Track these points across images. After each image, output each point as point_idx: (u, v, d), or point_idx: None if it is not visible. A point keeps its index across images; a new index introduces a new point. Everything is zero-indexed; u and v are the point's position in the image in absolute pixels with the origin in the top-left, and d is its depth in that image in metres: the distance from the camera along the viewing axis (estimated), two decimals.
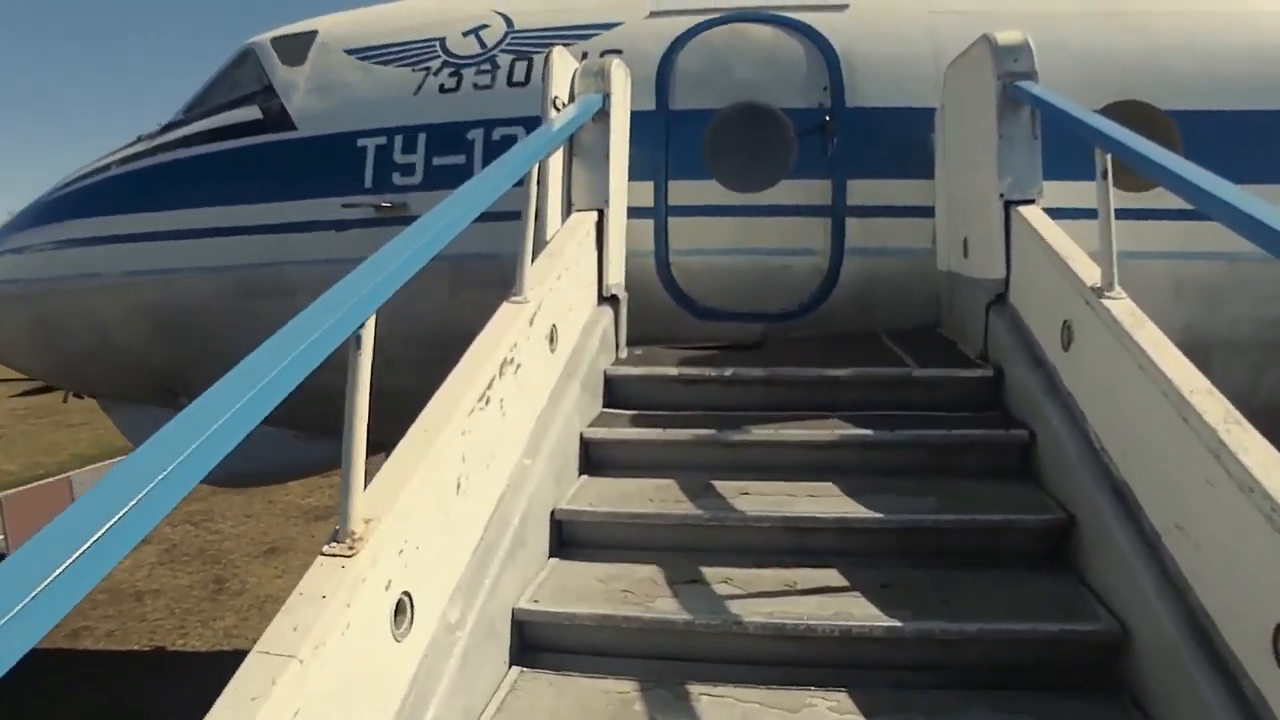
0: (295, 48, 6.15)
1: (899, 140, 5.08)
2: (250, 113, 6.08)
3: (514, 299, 3.26)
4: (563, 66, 4.34)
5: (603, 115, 4.33)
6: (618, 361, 4.26)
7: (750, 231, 5.13)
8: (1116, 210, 5.02)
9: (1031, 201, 3.98)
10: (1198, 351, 5.00)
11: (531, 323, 3.25)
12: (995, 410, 3.80)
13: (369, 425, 1.98)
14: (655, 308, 5.13)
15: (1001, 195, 4.00)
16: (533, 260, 3.55)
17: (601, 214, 4.31)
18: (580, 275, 4.04)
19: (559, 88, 4.28)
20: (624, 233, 4.62)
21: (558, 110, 4.19)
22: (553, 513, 3.21)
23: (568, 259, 3.81)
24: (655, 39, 5.36)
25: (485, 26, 5.74)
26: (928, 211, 5.02)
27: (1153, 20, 5.26)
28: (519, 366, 3.09)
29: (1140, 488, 2.69)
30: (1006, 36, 4.03)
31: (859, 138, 5.08)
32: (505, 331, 3.04)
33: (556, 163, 4.22)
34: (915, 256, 5.08)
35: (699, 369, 4.05)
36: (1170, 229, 4.79)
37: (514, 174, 3.22)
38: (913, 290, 5.09)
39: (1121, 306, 2.95)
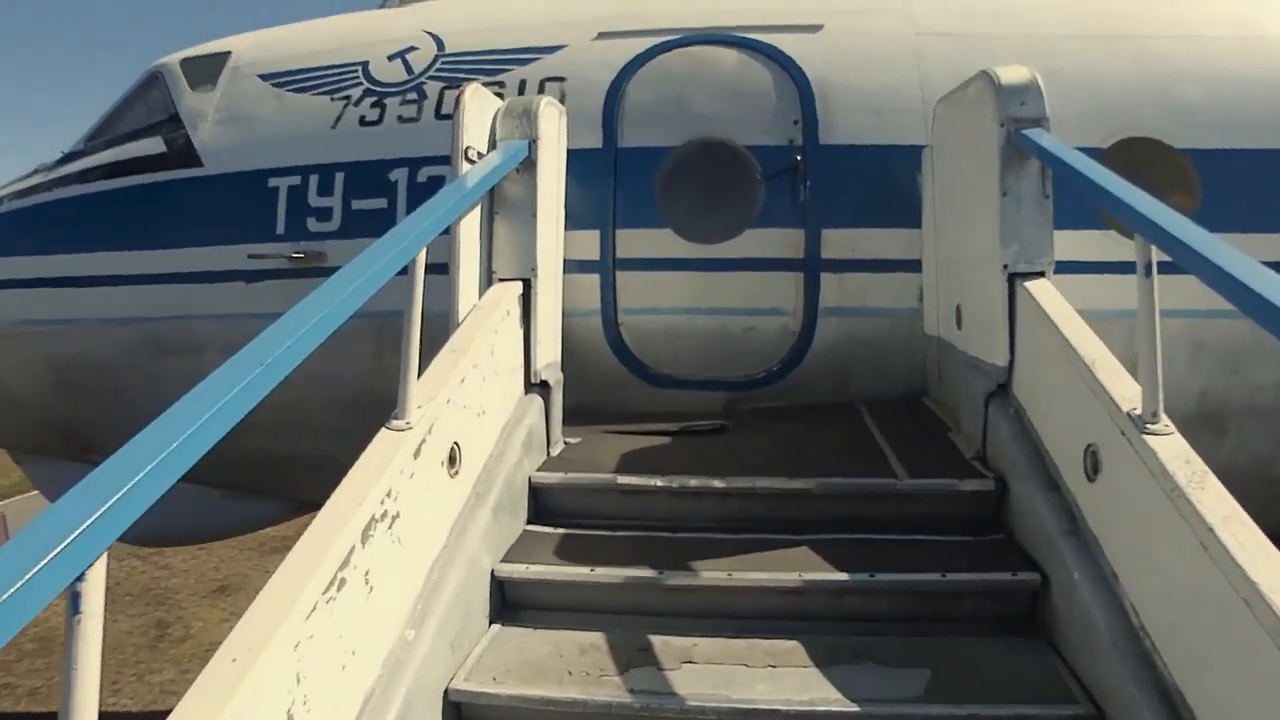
0: (205, 71, 5.35)
1: (881, 183, 4.35)
2: (153, 145, 5.27)
3: (393, 424, 2.52)
4: (479, 108, 3.57)
5: (529, 165, 3.57)
6: (547, 463, 3.52)
7: (711, 288, 4.39)
8: (1119, 262, 4.27)
9: (1041, 274, 3.26)
10: (1214, 420, 4.38)
11: (418, 453, 2.52)
12: (998, 532, 3.09)
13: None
14: (602, 374, 4.40)
15: (1005, 266, 3.27)
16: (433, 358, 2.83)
17: (528, 284, 3.56)
18: (498, 364, 3.29)
19: (474, 134, 3.51)
20: (557, 303, 3.88)
21: (471, 162, 3.43)
22: (446, 692, 2.48)
23: (478, 350, 3.06)
24: (603, 65, 4.60)
25: (413, 49, 4.96)
26: (914, 266, 4.30)
27: (1162, 46, 4.53)
28: (396, 518, 2.35)
29: (1203, 707, 1.97)
30: (1012, 74, 3.29)
31: (835, 180, 4.34)
32: (377, 477, 2.30)
33: (473, 224, 3.47)
34: (899, 317, 4.35)
35: (642, 476, 3.30)
36: (1185, 284, 4.08)
37: (404, 255, 2.48)
38: (896, 355, 4.37)
39: (1171, 448, 2.22)
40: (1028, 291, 3.17)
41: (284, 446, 4.99)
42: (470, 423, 2.97)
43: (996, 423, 3.29)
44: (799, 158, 4.32)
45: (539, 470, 3.42)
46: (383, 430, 2.51)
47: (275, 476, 5.38)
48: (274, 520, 6.39)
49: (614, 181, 4.39)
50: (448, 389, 2.78)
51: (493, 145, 3.61)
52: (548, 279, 3.69)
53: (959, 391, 3.76)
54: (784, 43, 4.54)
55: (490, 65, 4.74)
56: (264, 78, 5.14)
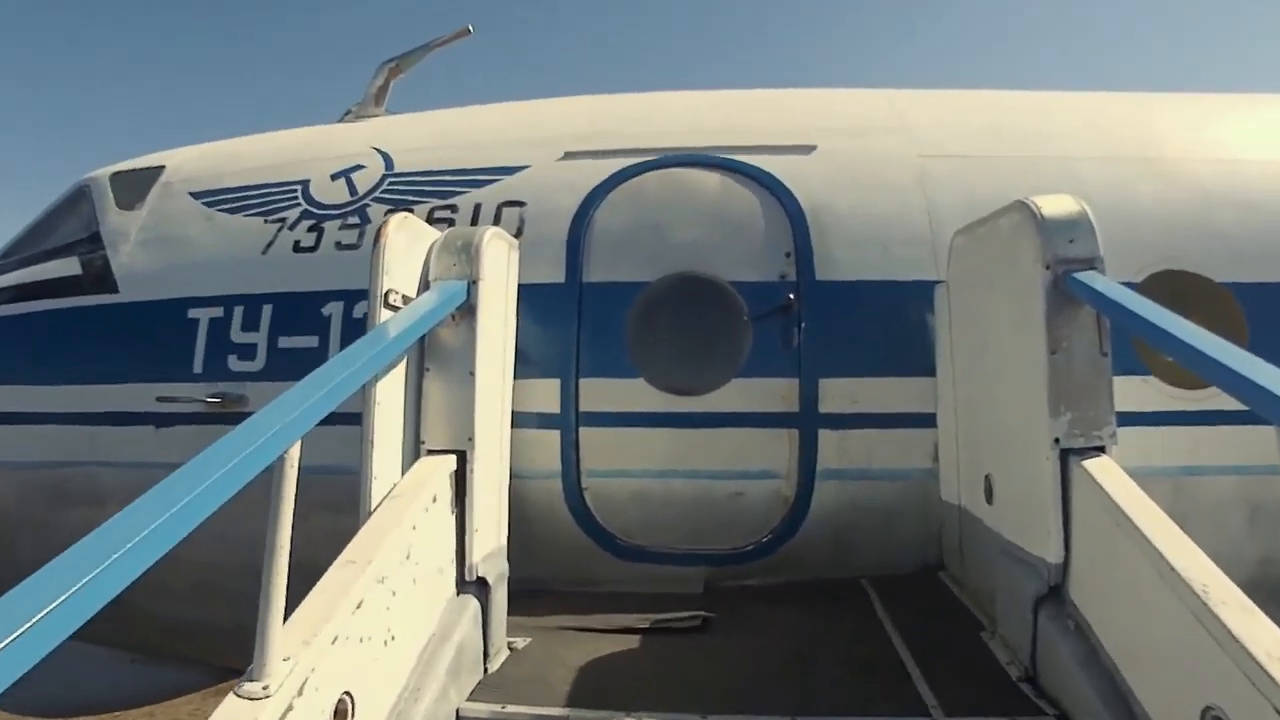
0: (134, 187, 4.74)
1: (887, 325, 3.69)
2: (69, 266, 4.61)
3: (244, 689, 1.75)
4: (406, 242, 2.91)
5: (468, 310, 2.90)
6: (482, 686, 2.71)
7: (690, 447, 3.67)
8: (1168, 412, 3.69)
9: (1101, 449, 2.57)
10: (1277, 592, 3.63)
11: None
12: None
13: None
14: (563, 546, 3.64)
15: (1056, 440, 2.57)
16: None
17: (463, 457, 2.83)
18: (418, 569, 2.53)
19: (399, 274, 2.84)
20: (502, 478, 3.15)
21: (393, 309, 2.75)
22: None
23: (387, 559, 2.31)
24: (569, 188, 4.00)
25: (359, 168, 4.37)
26: (927, 420, 3.60)
27: (1195, 170, 3.98)
28: None
29: None
30: (1056, 206, 2.68)
31: (834, 321, 3.69)
32: None
33: (394, 385, 2.76)
34: (910, 480, 3.63)
35: (601, 711, 2.51)
36: (1240, 436, 3.42)
37: (264, 453, 1.75)
38: (906, 523, 3.64)
39: None
40: (1087, 473, 2.47)
41: (196, 614, 4.17)
42: (371, 659, 2.19)
43: (1051, 638, 2.53)
44: (792, 295, 3.67)
45: (470, 699, 2.61)
46: (229, 698, 1.74)
47: (191, 644, 4.55)
48: (197, 686, 5.51)
49: (578, 322, 3.73)
50: (335, 622, 2.02)
51: (426, 286, 2.95)
52: (489, 449, 2.97)
53: (991, 578, 3.01)
54: (773, 165, 3.96)
55: (443, 187, 4.14)
56: (196, 196, 4.53)
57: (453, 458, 2.82)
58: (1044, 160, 4.01)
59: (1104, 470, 2.48)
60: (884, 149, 4.07)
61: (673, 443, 3.67)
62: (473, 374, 2.86)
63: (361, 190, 4.25)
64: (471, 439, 2.84)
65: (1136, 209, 3.81)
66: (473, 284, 2.89)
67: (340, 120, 5.26)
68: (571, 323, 3.73)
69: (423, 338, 2.83)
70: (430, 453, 2.84)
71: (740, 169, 3.96)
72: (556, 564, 3.62)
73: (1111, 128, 4.29)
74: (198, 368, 4.05)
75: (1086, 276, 2.56)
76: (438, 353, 2.89)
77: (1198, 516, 2.63)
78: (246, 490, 1.62)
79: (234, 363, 4.01)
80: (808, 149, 4.05)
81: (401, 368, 2.79)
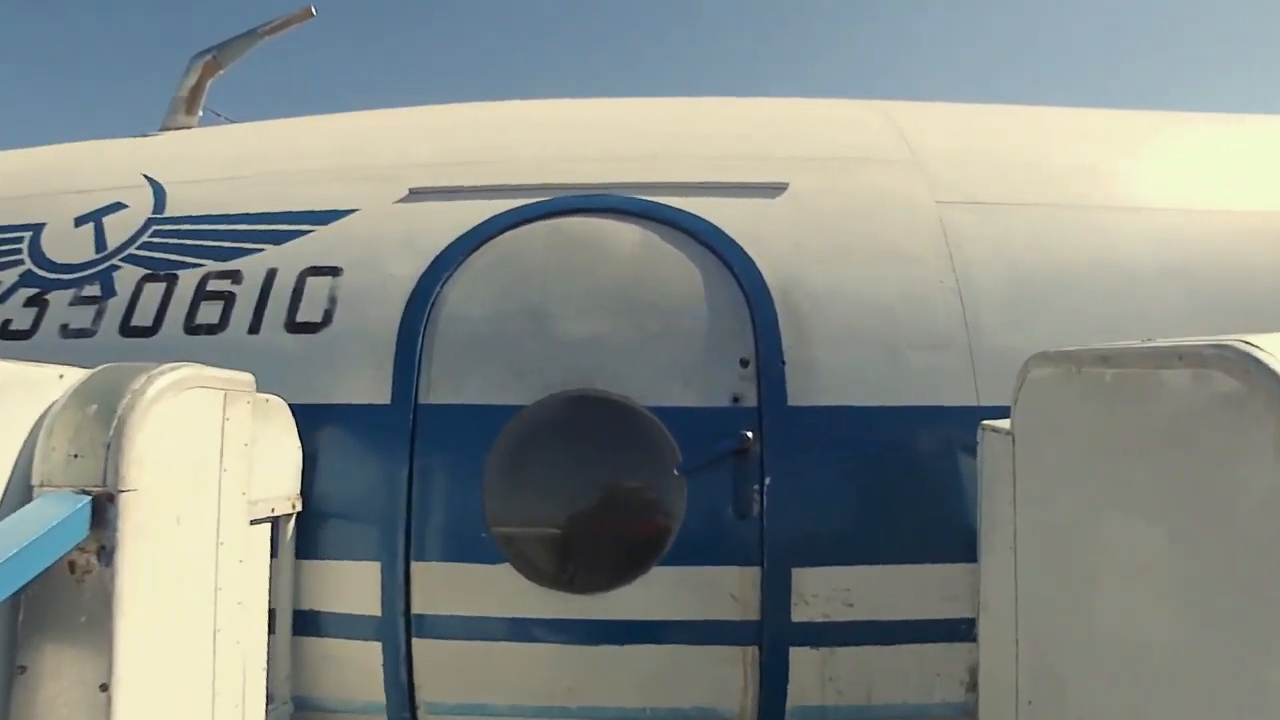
0: None
1: (898, 479, 2.23)
2: None
3: None
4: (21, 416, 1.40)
5: (100, 551, 1.39)
6: None
7: (587, 672, 2.19)
8: None
9: None
10: None
11: None
12: None
13: None
14: None
15: None
16: None
17: None
18: None
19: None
20: None
21: None
22: None
23: None
24: (408, 247, 2.48)
25: (117, 207, 2.82)
26: (958, 630, 2.16)
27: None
28: None
29: None
30: None
31: (817, 473, 2.22)
32: None
33: None
34: (925, 717, 2.20)
35: None
36: None
37: None
38: None
39: None
40: None
41: None
42: None
43: None
44: (749, 434, 2.19)
45: None
46: None
47: None
48: None
49: (410, 471, 2.22)
50: None
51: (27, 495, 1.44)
52: None
53: None
54: (723, 215, 2.48)
55: (226, 240, 2.61)
56: None
57: None
58: (1118, 212, 2.58)
59: None
60: (887, 190, 2.60)
61: (559, 664, 2.19)
62: (105, 688, 1.36)
63: (112, 243, 2.70)
64: None
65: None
66: (108, 499, 1.39)
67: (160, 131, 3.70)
68: (398, 471, 2.23)
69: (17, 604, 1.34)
70: None
71: (672, 220, 2.47)
72: None
73: (1191, 161, 2.87)
74: None
75: None
76: (40, 642, 1.39)
77: None
78: None
79: None
80: (775, 189, 2.57)
81: None
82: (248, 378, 1.86)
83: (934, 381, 2.27)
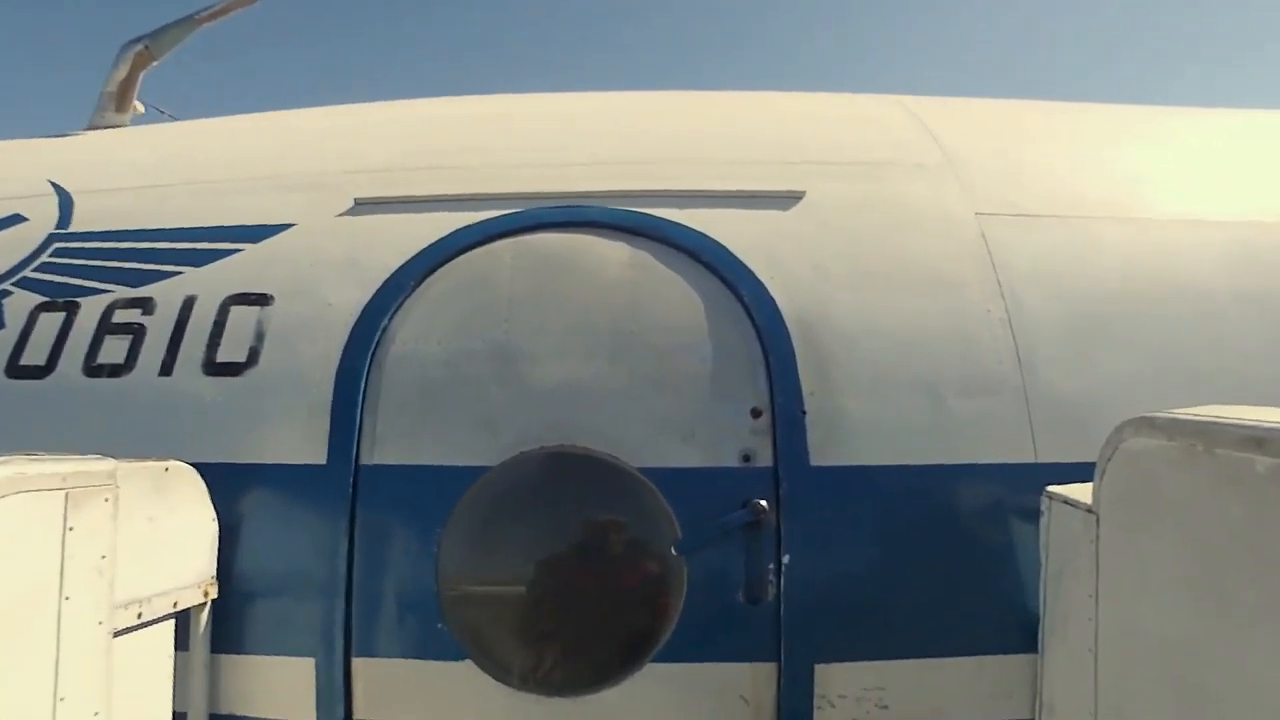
0: None
1: (939, 553, 1.82)
2: None
3: None
4: None
5: None
6: None
7: None
8: None
9: None
10: None
11: None
12: None
13: None
14: None
15: None
16: None
17: None
18: None
19: None
20: None
21: None
22: None
23: None
24: (351, 270, 2.05)
25: (14, 220, 2.37)
26: None
27: None
28: None
29: None
30: None
31: (843, 544, 1.81)
32: None
33: None
34: None
35: None
36: None
37: None
38: None
39: None
40: None
41: None
42: None
43: None
44: (762, 501, 1.77)
45: None
46: None
47: None
48: None
49: (349, 546, 1.80)
50: None
51: None
52: None
53: None
54: (729, 230, 2.05)
55: (138, 261, 2.17)
56: None
57: None
58: (1184, 226, 2.18)
59: None
60: (919, 200, 2.18)
61: None
62: None
63: (4, 264, 2.25)
64: None
65: None
66: None
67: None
68: (336, 546, 1.80)
69: None
70: None
71: (668, 236, 2.05)
72: None
73: (1266, 166, 2.47)
74: None
75: None
76: None
77: None
78: None
79: None
80: (789, 199, 2.14)
81: None
82: (106, 466, 1.43)
83: (984, 434, 1.86)
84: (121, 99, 3.16)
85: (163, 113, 3.92)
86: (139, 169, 2.46)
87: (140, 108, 3.75)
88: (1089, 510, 1.57)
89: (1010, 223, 2.14)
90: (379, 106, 2.75)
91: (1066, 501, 1.65)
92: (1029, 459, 1.84)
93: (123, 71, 3.15)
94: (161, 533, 1.65)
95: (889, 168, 2.26)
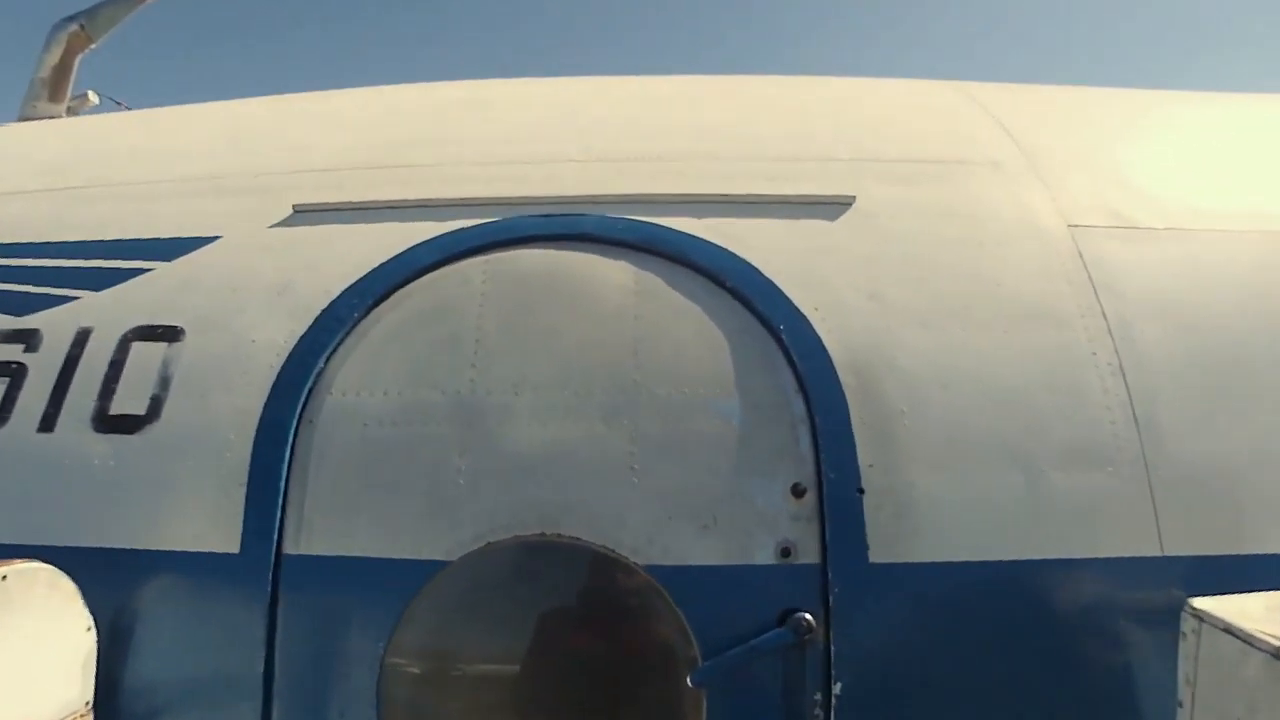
0: None
1: (1032, 677, 1.36)
2: None
3: None
4: None
5: None
6: None
7: None
8: None
9: None
10: None
11: None
12: None
13: None
14: None
15: None
16: None
17: None
18: None
19: None
20: None
21: None
22: None
23: None
24: (280, 299, 1.60)
25: None
26: None
27: None
28: None
29: None
30: None
31: (910, 674, 1.35)
32: None
33: None
34: None
35: None
36: None
37: None
38: None
39: None
40: None
41: None
42: None
43: None
44: (806, 615, 1.32)
45: None
46: None
47: None
48: None
49: (267, 659, 1.36)
50: None
51: None
52: None
53: None
54: (760, 245, 1.60)
55: (22, 283, 1.73)
56: None
57: None
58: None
59: None
60: (998, 208, 1.71)
61: None
62: None
63: None
64: None
65: None
66: None
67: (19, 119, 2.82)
68: (250, 660, 1.36)
69: None
70: None
71: (682, 254, 1.59)
72: None
73: None
74: None
75: None
76: None
77: None
78: None
79: None
80: (837, 206, 1.68)
81: None
82: None
83: (1094, 518, 1.40)
84: (56, 87, 2.73)
85: (119, 104, 3.50)
86: (45, 169, 2.02)
87: (94, 98, 3.34)
88: (1262, 646, 1.11)
89: (1113, 237, 1.68)
90: (334, 95, 2.30)
91: (1220, 626, 1.19)
92: (1151, 551, 1.39)
93: (55, 55, 2.72)
94: (16, 652, 1.22)
95: (957, 168, 1.80)
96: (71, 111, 3.11)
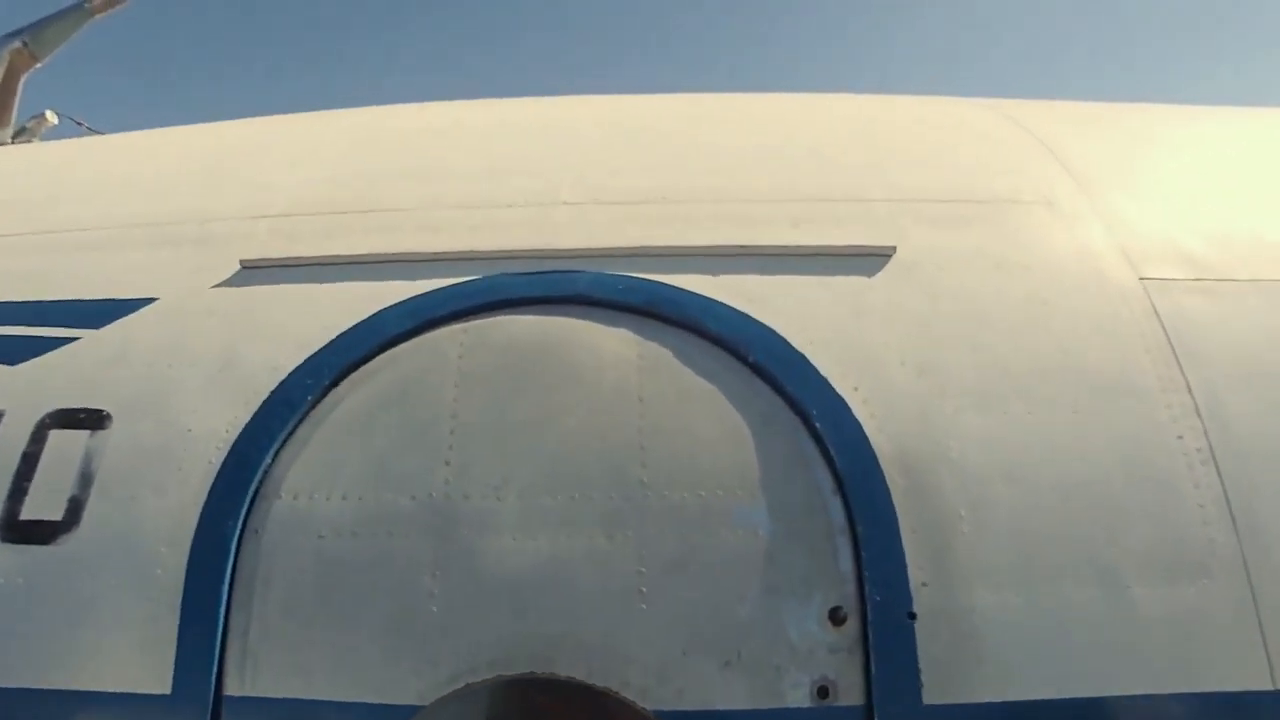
0: None
1: None
2: None
3: None
4: None
5: None
6: None
7: None
8: None
9: None
10: None
11: None
12: None
13: None
14: None
15: None
16: None
17: None
18: None
19: None
20: None
21: None
22: None
23: None
24: (222, 377, 1.36)
25: None
26: None
27: None
28: None
29: None
30: None
31: None
32: None
33: None
34: None
35: None
36: None
37: None
38: None
39: None
40: None
41: None
42: None
43: None
44: None
45: None
46: None
47: None
48: None
49: None
50: None
51: None
52: None
53: None
54: (786, 307, 1.36)
55: None
56: None
57: None
58: None
59: None
60: (1061, 259, 1.47)
61: None
62: None
63: None
64: None
65: None
66: None
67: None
68: None
69: None
70: None
71: (693, 319, 1.35)
72: None
73: None
74: None
75: None
76: None
77: None
78: None
79: None
80: (876, 258, 1.44)
81: None
82: None
83: (1188, 643, 1.17)
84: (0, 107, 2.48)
85: (80, 125, 3.24)
86: None
87: (53, 118, 3.08)
88: None
89: (1193, 292, 1.44)
90: (301, 119, 2.05)
91: None
92: (1261, 685, 1.15)
93: None
94: None
95: (1009, 208, 1.55)
96: (28, 134, 2.87)
